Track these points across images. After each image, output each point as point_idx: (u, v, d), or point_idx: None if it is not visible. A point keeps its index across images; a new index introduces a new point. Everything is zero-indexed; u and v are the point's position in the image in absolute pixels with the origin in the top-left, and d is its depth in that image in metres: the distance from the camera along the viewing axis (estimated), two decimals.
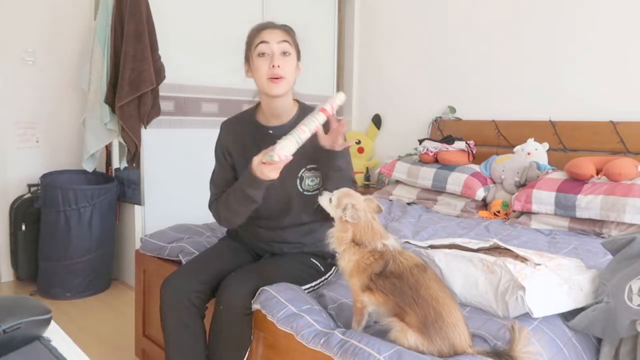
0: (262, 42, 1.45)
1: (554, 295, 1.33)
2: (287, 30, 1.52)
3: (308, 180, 1.54)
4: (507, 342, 1.12)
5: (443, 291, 1.17)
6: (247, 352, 1.43)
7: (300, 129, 1.33)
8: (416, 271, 1.18)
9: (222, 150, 1.60)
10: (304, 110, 1.56)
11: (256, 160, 1.35)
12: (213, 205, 1.59)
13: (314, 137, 1.40)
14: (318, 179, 1.55)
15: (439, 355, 1.11)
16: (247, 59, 1.53)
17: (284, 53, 1.47)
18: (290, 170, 1.45)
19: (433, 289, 1.15)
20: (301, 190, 1.55)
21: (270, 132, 1.54)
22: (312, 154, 1.48)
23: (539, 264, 1.38)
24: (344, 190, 1.30)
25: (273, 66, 1.44)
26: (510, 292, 1.30)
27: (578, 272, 1.45)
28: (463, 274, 1.41)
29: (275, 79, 1.45)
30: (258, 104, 1.62)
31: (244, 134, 1.58)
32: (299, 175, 1.54)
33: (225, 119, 1.70)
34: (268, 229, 1.64)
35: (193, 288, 1.46)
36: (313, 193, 1.56)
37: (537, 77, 3.03)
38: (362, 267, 1.22)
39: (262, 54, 1.46)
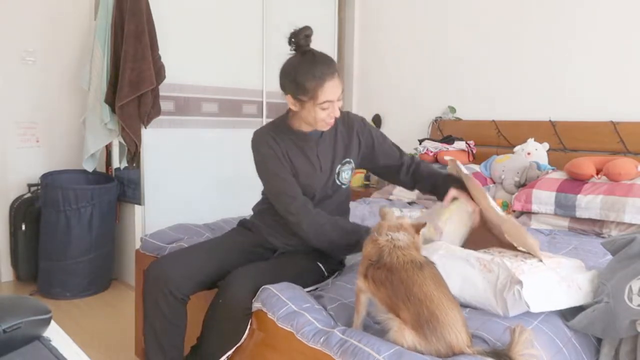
0: (327, 101, 1.48)
1: (552, 292, 1.33)
2: (339, 72, 1.55)
3: (344, 174, 1.67)
4: (507, 344, 1.12)
5: (439, 290, 1.16)
6: (234, 349, 1.44)
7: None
8: (410, 267, 1.18)
9: (280, 157, 1.57)
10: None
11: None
12: (306, 210, 1.55)
13: (346, 137, 1.66)
14: (352, 170, 1.70)
15: (437, 355, 1.10)
16: (297, 98, 1.51)
17: (339, 100, 1.55)
18: (330, 167, 1.64)
19: (427, 288, 1.15)
20: (339, 183, 1.68)
21: (308, 135, 1.63)
22: (347, 149, 1.66)
23: (541, 260, 1.38)
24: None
25: (331, 117, 1.53)
26: (507, 288, 1.30)
27: (577, 271, 1.46)
28: (460, 275, 1.40)
29: (330, 122, 1.55)
30: (287, 113, 1.65)
31: (287, 141, 1.61)
32: (337, 171, 1.65)
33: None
34: None
35: (172, 277, 1.49)
36: (348, 185, 1.72)
37: (537, 77, 3.03)
38: (365, 254, 1.29)
39: (324, 109, 1.51)
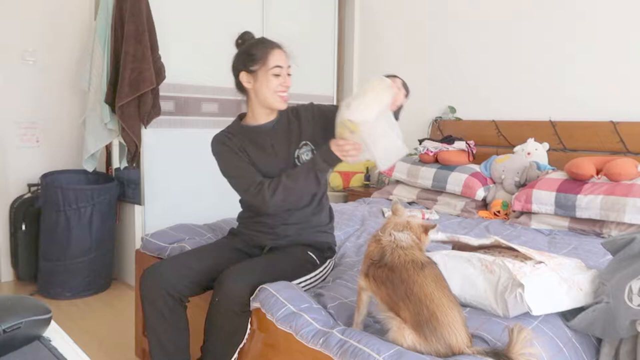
0: (277, 66, 1.62)
1: (554, 294, 1.33)
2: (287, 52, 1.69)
3: (304, 156, 1.69)
4: (506, 344, 1.12)
5: (440, 290, 1.16)
6: (239, 349, 1.44)
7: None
8: (411, 267, 1.18)
9: (236, 151, 1.66)
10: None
11: (335, 141, 1.52)
12: (262, 186, 1.59)
13: (296, 123, 1.70)
14: (312, 152, 1.70)
15: (437, 355, 1.10)
16: (249, 70, 1.63)
17: (288, 75, 1.67)
18: (287, 153, 1.68)
19: (427, 288, 1.15)
20: None
21: (260, 128, 1.71)
22: (300, 133, 1.70)
23: (541, 262, 1.38)
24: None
25: (284, 86, 1.65)
26: (509, 290, 1.30)
27: (578, 271, 1.45)
28: (461, 275, 1.41)
29: (284, 96, 1.66)
30: (239, 116, 1.78)
31: (240, 137, 1.69)
32: (296, 155, 1.69)
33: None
34: (273, 215, 1.69)
35: (167, 278, 1.52)
36: None
37: (537, 77, 3.03)
38: (367, 253, 1.30)
39: (277, 75, 1.62)
